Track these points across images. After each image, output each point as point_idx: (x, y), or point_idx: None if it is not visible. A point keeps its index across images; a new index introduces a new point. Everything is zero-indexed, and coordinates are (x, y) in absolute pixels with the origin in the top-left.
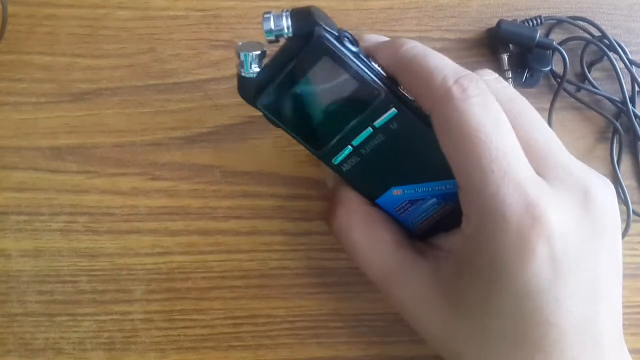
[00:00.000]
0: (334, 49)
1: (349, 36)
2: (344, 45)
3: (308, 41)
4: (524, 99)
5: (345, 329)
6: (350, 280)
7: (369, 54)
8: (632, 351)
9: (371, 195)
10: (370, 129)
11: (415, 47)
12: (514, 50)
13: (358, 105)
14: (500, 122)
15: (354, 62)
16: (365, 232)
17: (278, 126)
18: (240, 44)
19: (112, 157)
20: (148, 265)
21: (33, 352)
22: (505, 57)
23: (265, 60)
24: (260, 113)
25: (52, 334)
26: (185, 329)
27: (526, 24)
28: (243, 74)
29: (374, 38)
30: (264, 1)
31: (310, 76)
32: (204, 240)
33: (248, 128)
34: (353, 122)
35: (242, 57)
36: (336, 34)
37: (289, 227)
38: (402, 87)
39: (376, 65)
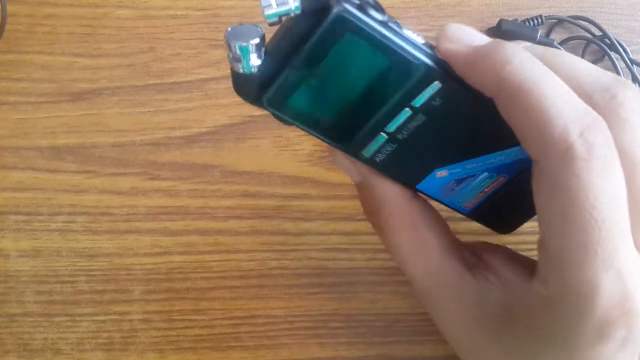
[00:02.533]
0: (358, 22)
1: (371, 1)
2: (369, 16)
3: (323, 17)
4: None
5: (345, 329)
6: (350, 280)
7: (455, 64)
8: None
9: (410, 182)
10: (408, 110)
11: (524, 68)
12: None
13: (391, 85)
14: (619, 196)
15: (384, 35)
16: (409, 234)
17: (291, 124)
18: (229, 29)
19: (111, 156)
20: (147, 265)
21: (32, 353)
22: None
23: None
24: (264, 111)
25: (51, 334)
26: (184, 329)
27: (527, 23)
28: (240, 70)
29: (461, 35)
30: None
31: (330, 60)
32: (203, 240)
33: (248, 128)
34: (386, 106)
35: (236, 50)
36: (357, 1)
37: (288, 227)
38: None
39: (411, 33)
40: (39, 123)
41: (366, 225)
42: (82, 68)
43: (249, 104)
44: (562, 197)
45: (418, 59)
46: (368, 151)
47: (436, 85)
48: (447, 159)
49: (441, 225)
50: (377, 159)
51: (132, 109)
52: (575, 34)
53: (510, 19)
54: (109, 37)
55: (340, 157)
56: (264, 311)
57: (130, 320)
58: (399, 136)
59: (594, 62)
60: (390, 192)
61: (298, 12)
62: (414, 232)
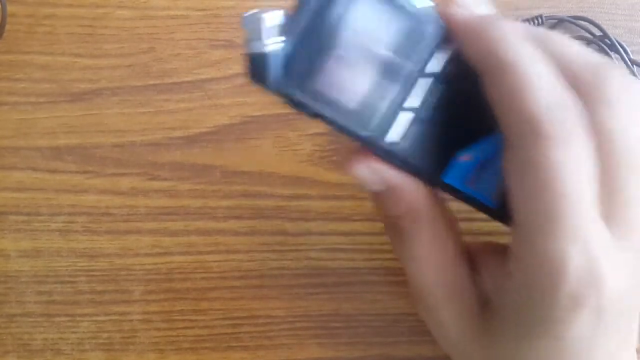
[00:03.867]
0: None
1: None
2: None
3: None
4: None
5: (345, 329)
6: (350, 281)
7: (456, 29)
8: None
9: (435, 172)
10: (428, 80)
11: (521, 48)
12: None
13: (407, 51)
14: (584, 171)
15: None
16: (431, 242)
17: (312, 115)
18: (246, 14)
19: (112, 157)
20: (147, 265)
21: (31, 353)
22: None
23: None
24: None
25: (51, 334)
26: (185, 329)
27: (527, 23)
28: (261, 49)
29: (467, 2)
30: (265, 1)
31: (344, 26)
32: (204, 240)
33: (248, 128)
34: (403, 77)
35: (253, 25)
36: None
37: (288, 227)
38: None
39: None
40: (39, 123)
41: (366, 225)
42: (82, 68)
43: (269, 92)
44: (530, 174)
45: (429, 19)
46: (392, 135)
47: (450, 48)
48: (468, 138)
49: (459, 232)
50: (401, 145)
51: (132, 109)
52: (575, 34)
53: (511, 19)
54: (109, 38)
55: (360, 167)
56: (264, 311)
57: (131, 321)
58: (420, 113)
59: None
60: (421, 199)
61: None
62: (438, 240)
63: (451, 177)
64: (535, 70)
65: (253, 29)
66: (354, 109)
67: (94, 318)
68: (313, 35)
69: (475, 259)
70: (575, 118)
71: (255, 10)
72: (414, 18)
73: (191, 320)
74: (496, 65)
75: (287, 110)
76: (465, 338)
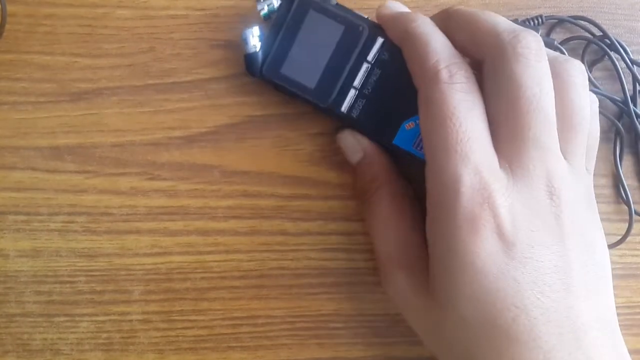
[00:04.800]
0: (316, 1)
1: None
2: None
3: (292, 3)
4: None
5: (345, 329)
6: (350, 281)
7: (383, 22)
8: (634, 351)
9: (386, 136)
10: (366, 64)
11: (424, 25)
12: None
13: (350, 46)
14: (475, 110)
15: (336, 8)
16: (390, 205)
17: (286, 92)
18: (242, 30)
19: (111, 156)
20: (147, 265)
21: (31, 353)
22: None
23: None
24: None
25: (50, 334)
26: (184, 329)
27: (527, 23)
28: (247, 51)
29: (395, 6)
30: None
31: (303, 32)
32: (203, 240)
33: (248, 128)
34: (350, 64)
35: (243, 37)
36: None
37: (288, 227)
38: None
39: (357, 12)
40: (38, 123)
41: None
42: (82, 68)
43: (257, 79)
44: (430, 112)
45: (362, 22)
46: (345, 107)
47: (380, 40)
48: (410, 110)
49: (415, 204)
50: (354, 115)
51: (132, 109)
52: (575, 34)
53: (511, 19)
54: (109, 37)
55: (345, 136)
56: (264, 311)
57: (130, 321)
58: (365, 91)
59: (594, 62)
60: (387, 166)
61: (279, 3)
62: (395, 204)
63: (399, 140)
64: (436, 39)
65: (244, 39)
66: (315, 87)
67: (94, 318)
68: (281, 40)
69: None
70: (467, 73)
71: (246, 28)
72: (349, 20)
73: (191, 321)
74: (406, 38)
75: (287, 110)
76: (417, 302)
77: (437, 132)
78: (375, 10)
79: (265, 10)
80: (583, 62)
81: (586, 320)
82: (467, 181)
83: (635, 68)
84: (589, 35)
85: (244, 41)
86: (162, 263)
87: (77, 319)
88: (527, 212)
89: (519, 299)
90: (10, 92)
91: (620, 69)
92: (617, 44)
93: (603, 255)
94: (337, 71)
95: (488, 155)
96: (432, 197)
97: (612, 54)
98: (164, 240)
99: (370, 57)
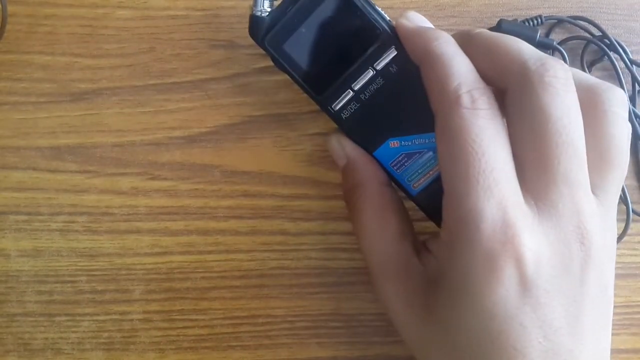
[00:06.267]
0: None
1: None
2: None
3: None
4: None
5: (345, 329)
6: (350, 280)
7: (402, 35)
8: (633, 351)
9: (368, 146)
10: (371, 71)
11: (446, 45)
12: None
13: (361, 45)
14: (499, 139)
15: (361, 0)
16: (376, 214)
17: (283, 69)
18: None
19: (112, 156)
20: (147, 265)
21: (32, 352)
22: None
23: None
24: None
25: (51, 334)
26: (185, 329)
27: (527, 23)
28: (255, 12)
29: (416, 18)
30: None
31: (316, 15)
32: (204, 240)
33: (248, 128)
34: (355, 65)
35: None
36: None
37: (288, 227)
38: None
39: (379, 9)
40: (39, 123)
41: None
42: (82, 68)
43: (258, 46)
44: (450, 139)
45: (382, 25)
46: (337, 105)
47: (393, 51)
48: (399, 130)
49: (404, 212)
50: (343, 116)
51: (132, 109)
52: (574, 34)
53: (510, 19)
54: (110, 37)
55: (332, 139)
56: (264, 311)
57: (131, 320)
58: (362, 96)
59: (594, 62)
60: (368, 174)
61: None
62: (381, 213)
63: (379, 154)
64: (455, 60)
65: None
66: (313, 75)
67: (95, 317)
68: (293, 14)
69: (427, 242)
70: (490, 99)
71: None
72: (367, 19)
73: (191, 320)
74: (428, 58)
75: (287, 110)
76: (413, 314)
77: (457, 160)
78: (396, 20)
79: None
80: (582, 62)
81: None
82: (489, 217)
83: (634, 68)
84: (588, 36)
85: (253, 2)
86: (162, 263)
87: (78, 318)
88: (552, 256)
89: (520, 342)
90: (10, 92)
91: (619, 69)
92: (616, 44)
93: (612, 289)
94: (341, 67)
95: (513, 188)
96: (448, 227)
97: (611, 54)
98: (165, 240)
99: (378, 65)
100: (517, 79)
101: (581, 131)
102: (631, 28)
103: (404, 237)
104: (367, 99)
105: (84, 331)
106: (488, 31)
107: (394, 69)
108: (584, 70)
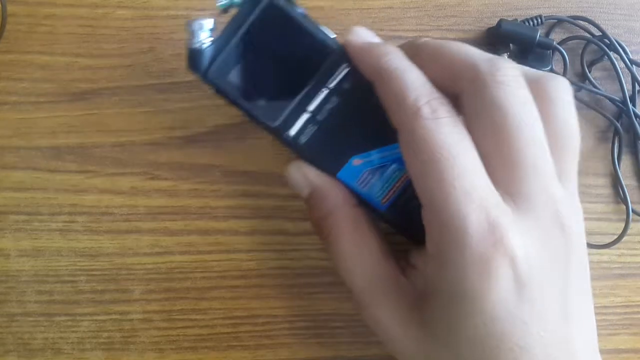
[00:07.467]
0: (284, 8)
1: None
2: (293, 6)
3: (258, 4)
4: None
5: (345, 328)
6: None
7: (351, 52)
8: (633, 351)
9: (331, 168)
10: (325, 90)
11: (397, 60)
12: (514, 50)
13: (311, 66)
14: (465, 143)
15: (306, 21)
16: (353, 237)
17: (231, 102)
18: (188, 20)
19: (112, 156)
20: (147, 265)
21: (32, 352)
22: (505, 56)
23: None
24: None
25: (51, 333)
26: (185, 328)
27: (526, 23)
28: (193, 45)
29: (363, 34)
30: None
31: (263, 39)
32: (204, 240)
33: (248, 128)
34: (308, 86)
35: (192, 28)
36: None
37: (288, 227)
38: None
39: (324, 28)
40: (39, 123)
41: None
42: (82, 68)
43: (199, 79)
44: (418, 151)
45: (331, 42)
46: (293, 130)
47: (345, 67)
48: (361, 146)
49: (379, 230)
50: (301, 141)
51: (132, 109)
52: (574, 34)
53: (510, 19)
54: (109, 37)
55: (291, 169)
56: (264, 311)
57: (131, 320)
58: (319, 117)
59: (593, 62)
60: (338, 199)
61: (243, 1)
62: (359, 236)
63: (343, 175)
64: (412, 75)
65: (191, 31)
66: (265, 104)
67: (95, 317)
68: (237, 42)
69: (409, 258)
70: (449, 109)
71: (198, 18)
72: (316, 39)
73: (191, 320)
74: (381, 74)
75: None
76: (404, 333)
77: (429, 171)
78: (344, 37)
79: (225, 1)
80: (582, 62)
81: (577, 347)
82: (474, 220)
83: (634, 68)
84: (588, 35)
85: (191, 33)
86: (162, 262)
87: (78, 318)
88: (540, 249)
89: (522, 340)
90: (10, 92)
91: (619, 69)
92: (616, 44)
93: (588, 271)
94: (293, 91)
95: (489, 188)
96: (433, 239)
97: (611, 54)
98: (165, 240)
99: (331, 83)
100: (471, 81)
101: (539, 122)
102: (631, 28)
103: (387, 256)
104: (324, 120)
105: (83, 331)
106: (432, 40)
107: (348, 85)
108: (584, 70)
